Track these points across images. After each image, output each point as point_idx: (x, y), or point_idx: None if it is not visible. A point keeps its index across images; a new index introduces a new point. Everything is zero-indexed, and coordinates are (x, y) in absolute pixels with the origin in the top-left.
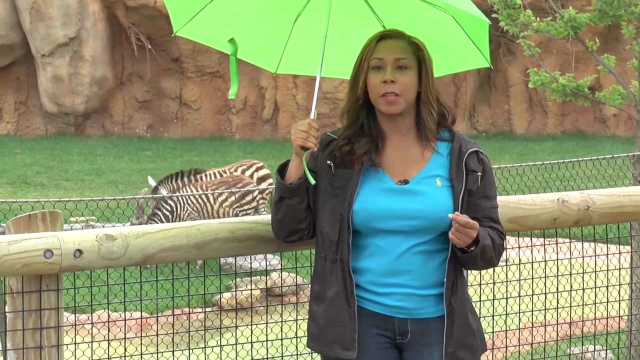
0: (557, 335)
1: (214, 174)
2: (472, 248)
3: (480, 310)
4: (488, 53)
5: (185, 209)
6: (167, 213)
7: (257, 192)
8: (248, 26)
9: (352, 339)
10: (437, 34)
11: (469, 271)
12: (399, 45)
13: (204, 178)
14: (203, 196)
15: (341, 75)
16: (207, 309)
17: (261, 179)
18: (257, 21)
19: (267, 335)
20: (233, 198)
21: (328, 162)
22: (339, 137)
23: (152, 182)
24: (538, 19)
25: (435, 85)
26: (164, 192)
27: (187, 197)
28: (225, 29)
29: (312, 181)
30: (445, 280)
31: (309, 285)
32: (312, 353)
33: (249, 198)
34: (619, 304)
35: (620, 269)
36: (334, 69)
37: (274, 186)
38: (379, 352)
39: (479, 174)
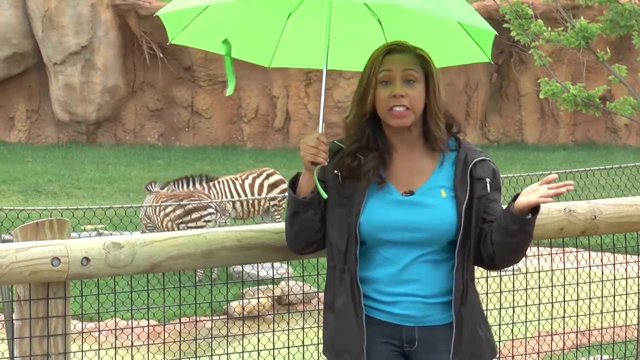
0: (564, 344)
1: (226, 181)
2: (529, 215)
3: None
4: (489, 51)
5: (142, 218)
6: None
7: (206, 211)
8: (241, 27)
9: (360, 348)
10: (436, 30)
11: (477, 280)
12: (406, 58)
13: (216, 185)
14: (149, 208)
15: (338, 67)
16: (215, 317)
17: (273, 185)
18: (250, 22)
19: (274, 344)
20: (179, 212)
21: (335, 171)
22: (344, 153)
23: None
24: (549, 28)
25: (443, 97)
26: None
27: (145, 207)
28: (219, 31)
29: (325, 195)
30: (453, 289)
31: (316, 294)
32: None
33: (195, 215)
34: (626, 313)
35: (627, 278)
36: (331, 61)
37: (207, 201)
38: None
39: (488, 179)
